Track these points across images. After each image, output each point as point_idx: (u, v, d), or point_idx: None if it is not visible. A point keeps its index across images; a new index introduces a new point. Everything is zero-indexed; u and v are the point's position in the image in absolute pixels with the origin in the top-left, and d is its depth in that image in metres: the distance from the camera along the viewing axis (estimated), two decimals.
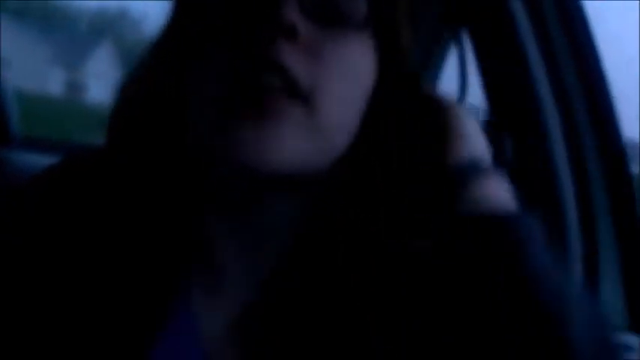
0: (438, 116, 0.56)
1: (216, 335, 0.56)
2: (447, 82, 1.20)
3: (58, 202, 0.59)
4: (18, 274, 0.57)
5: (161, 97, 0.57)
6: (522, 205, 0.99)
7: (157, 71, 0.58)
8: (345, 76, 0.53)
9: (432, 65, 1.17)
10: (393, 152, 0.57)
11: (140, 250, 0.56)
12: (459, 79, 1.07)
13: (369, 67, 0.55)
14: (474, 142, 0.59)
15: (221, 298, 0.57)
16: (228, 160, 0.51)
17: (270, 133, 0.50)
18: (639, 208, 0.95)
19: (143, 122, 0.58)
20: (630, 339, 0.91)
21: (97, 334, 0.54)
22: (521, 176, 1.00)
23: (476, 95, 1.10)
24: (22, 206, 0.60)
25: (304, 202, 0.57)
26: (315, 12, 0.52)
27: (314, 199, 0.57)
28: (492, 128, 1.05)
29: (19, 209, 0.60)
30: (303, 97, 0.51)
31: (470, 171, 0.55)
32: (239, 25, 0.51)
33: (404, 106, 0.57)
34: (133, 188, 0.58)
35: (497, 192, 0.55)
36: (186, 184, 0.57)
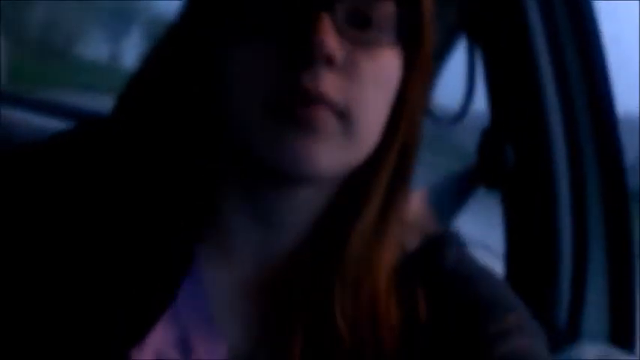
0: None
1: (223, 302, 0.59)
2: (450, 86, 1.22)
3: (71, 171, 0.60)
4: (20, 242, 0.58)
5: (183, 78, 0.59)
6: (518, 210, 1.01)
7: (177, 54, 0.60)
8: (377, 89, 0.56)
9: (436, 67, 1.19)
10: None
11: (151, 215, 0.58)
12: (466, 85, 1.09)
13: (396, 74, 0.58)
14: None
15: (231, 266, 0.60)
16: (266, 162, 0.54)
17: (309, 145, 0.53)
18: (633, 226, 0.99)
19: (161, 97, 0.60)
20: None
21: (107, 299, 0.55)
22: (521, 185, 1.03)
23: (480, 101, 1.12)
24: (32, 170, 0.61)
25: (325, 194, 0.60)
26: (349, 31, 0.54)
27: (335, 192, 0.60)
28: (494, 133, 1.08)
29: (28, 173, 0.60)
30: (340, 113, 0.54)
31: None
32: (279, 45, 0.53)
33: None
34: (146, 158, 0.59)
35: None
36: (202, 155, 0.59)
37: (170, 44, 0.60)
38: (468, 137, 1.11)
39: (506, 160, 1.05)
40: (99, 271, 0.56)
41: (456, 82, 1.13)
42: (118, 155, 0.60)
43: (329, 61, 0.52)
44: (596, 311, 0.99)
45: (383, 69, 0.56)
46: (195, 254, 0.58)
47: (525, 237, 1.05)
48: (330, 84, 0.52)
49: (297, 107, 0.52)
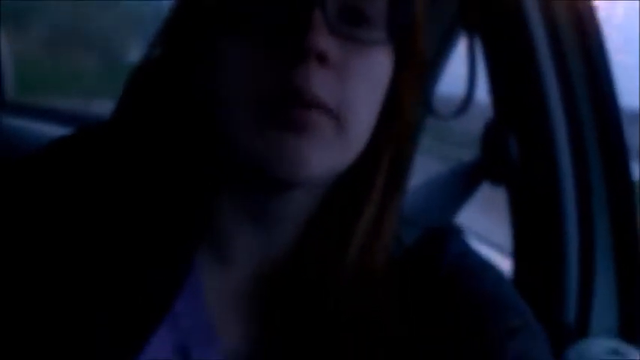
0: None
1: (222, 307, 0.58)
2: (453, 78, 1.21)
3: (68, 178, 0.59)
4: (22, 247, 0.57)
5: (176, 78, 0.58)
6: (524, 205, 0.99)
7: (172, 53, 0.59)
8: (368, 87, 0.55)
9: (437, 61, 1.18)
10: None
11: (149, 223, 0.57)
12: (467, 78, 1.08)
13: (388, 73, 0.57)
14: None
15: (229, 271, 0.59)
16: (259, 165, 0.53)
17: (302, 148, 0.52)
18: (638, 214, 0.97)
19: (156, 99, 0.59)
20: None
21: (105, 308, 0.55)
22: (527, 176, 1.02)
23: (482, 93, 1.11)
24: (30, 179, 0.60)
25: (320, 194, 0.59)
26: (340, 28, 0.53)
27: (330, 191, 0.59)
28: (498, 127, 1.06)
29: (26, 183, 0.60)
30: (332, 113, 0.53)
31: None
32: (269, 42, 0.52)
33: None
34: (143, 163, 0.59)
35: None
36: (198, 160, 0.58)
37: (162, 45, 0.60)
38: (477, 126, 1.09)
39: (510, 154, 1.03)
40: (97, 279, 0.55)
41: (463, 70, 1.12)
42: (116, 161, 0.59)
43: (321, 59, 0.51)
44: (605, 307, 0.97)
45: (374, 67, 0.55)
46: (193, 261, 0.57)
47: (532, 232, 1.03)
48: (322, 82, 0.52)
49: (289, 110, 0.51)
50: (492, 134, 1.06)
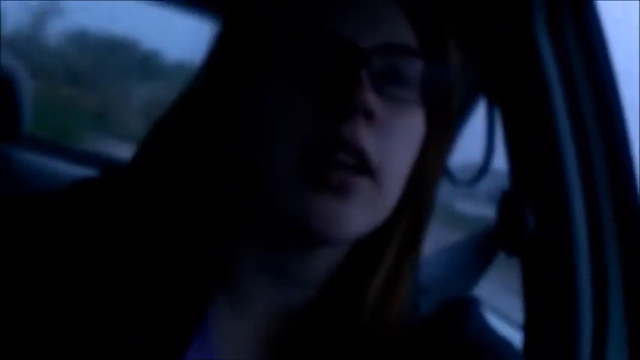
0: None
1: (235, 355, 0.57)
2: (470, 147, 1.21)
3: (88, 220, 0.58)
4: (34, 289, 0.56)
5: (209, 124, 0.58)
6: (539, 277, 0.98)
7: (208, 98, 0.59)
8: (406, 147, 0.56)
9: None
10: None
11: (166, 273, 0.56)
12: (486, 145, 1.08)
13: (420, 133, 0.58)
14: None
15: (244, 319, 0.58)
16: (297, 223, 0.53)
17: (342, 207, 0.52)
18: None
19: (186, 144, 0.59)
20: None
21: (118, 352, 0.54)
22: (541, 248, 1.00)
23: (500, 164, 1.11)
24: (50, 217, 0.59)
25: (342, 251, 0.59)
26: (385, 90, 0.54)
27: (353, 251, 0.59)
28: (514, 197, 1.06)
29: (45, 221, 0.59)
30: (372, 172, 0.54)
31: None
32: (316, 96, 0.53)
33: None
34: (167, 209, 0.58)
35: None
36: (224, 209, 0.58)
37: (198, 91, 0.60)
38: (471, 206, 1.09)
39: (526, 225, 1.02)
40: (110, 324, 0.55)
41: (473, 142, 1.12)
42: (140, 206, 0.59)
43: (368, 116, 0.52)
44: None
45: (411, 127, 0.56)
46: (207, 309, 0.57)
47: (545, 305, 1.01)
48: (367, 137, 0.53)
49: (332, 172, 0.52)
50: (508, 204, 1.05)
